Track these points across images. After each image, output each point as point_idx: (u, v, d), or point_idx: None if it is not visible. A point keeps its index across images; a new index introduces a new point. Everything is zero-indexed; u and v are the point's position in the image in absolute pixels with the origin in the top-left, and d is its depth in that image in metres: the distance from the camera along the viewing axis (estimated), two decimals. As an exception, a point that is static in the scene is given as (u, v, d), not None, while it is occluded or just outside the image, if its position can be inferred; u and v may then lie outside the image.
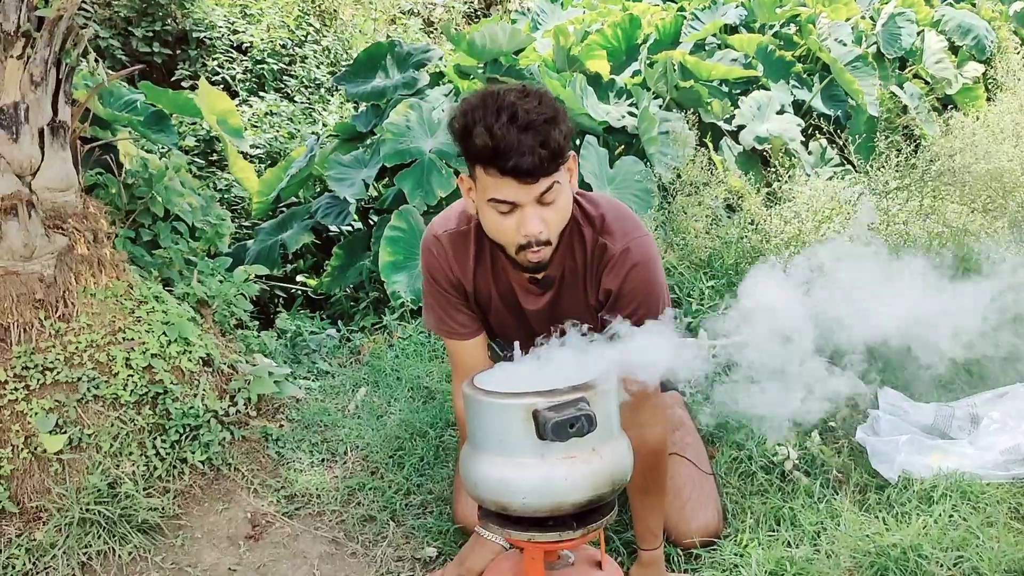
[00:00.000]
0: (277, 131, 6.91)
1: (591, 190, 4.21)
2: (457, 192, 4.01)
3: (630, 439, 1.76)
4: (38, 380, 2.58)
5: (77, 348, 2.67)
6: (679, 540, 2.35)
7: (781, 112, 5.38)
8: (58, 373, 2.61)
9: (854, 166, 4.57)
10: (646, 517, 2.21)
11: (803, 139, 5.34)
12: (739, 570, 2.21)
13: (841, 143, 5.03)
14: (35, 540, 2.41)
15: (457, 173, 4.04)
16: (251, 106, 7.20)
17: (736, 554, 2.26)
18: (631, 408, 1.77)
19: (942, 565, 2.08)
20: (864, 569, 2.13)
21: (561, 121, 1.81)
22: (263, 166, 6.39)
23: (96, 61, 3.03)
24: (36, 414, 2.54)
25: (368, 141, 5.07)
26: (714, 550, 2.31)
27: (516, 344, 1.81)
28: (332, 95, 7.81)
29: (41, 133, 2.73)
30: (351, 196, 4.58)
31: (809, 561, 2.18)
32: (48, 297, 2.67)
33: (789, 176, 4.11)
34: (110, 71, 4.55)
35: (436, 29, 9.89)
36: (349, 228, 5.13)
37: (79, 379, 2.64)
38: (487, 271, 2.16)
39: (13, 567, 2.35)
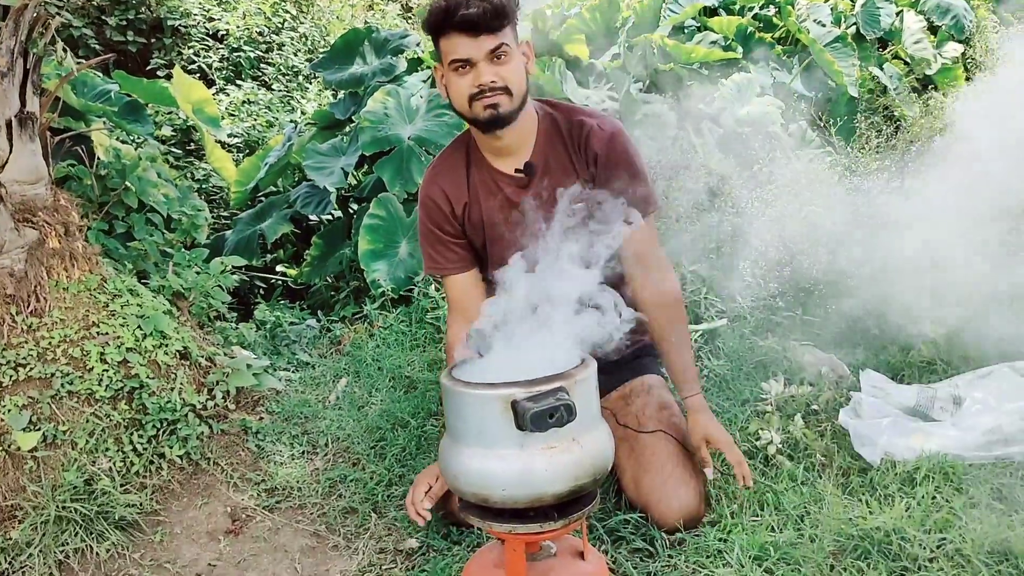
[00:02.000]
0: (255, 120, 6.85)
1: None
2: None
3: (649, 297, 2.21)
4: (10, 377, 2.54)
5: (50, 343, 2.63)
6: (661, 518, 2.33)
7: (761, 94, 5.36)
8: (31, 369, 2.57)
9: (835, 147, 4.57)
10: (679, 362, 2.39)
11: (783, 121, 5.33)
12: (723, 555, 2.19)
13: (822, 124, 5.02)
14: (10, 539, 2.37)
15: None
16: (228, 95, 7.13)
17: (719, 539, 2.25)
18: (641, 267, 2.16)
19: (925, 547, 2.08)
20: (847, 552, 2.12)
21: None
22: (241, 155, 6.34)
23: (65, 50, 2.98)
24: (9, 411, 2.50)
25: (347, 129, 5.03)
26: (697, 535, 2.30)
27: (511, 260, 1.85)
28: (310, 83, 7.74)
29: (8, 125, 2.68)
30: (330, 185, 4.54)
31: (792, 545, 2.17)
32: (19, 292, 2.62)
33: (770, 158, 4.10)
34: (83, 60, 4.49)
35: (414, 15, 9.81)
36: (328, 217, 5.09)
37: (53, 375, 2.59)
38: (474, 179, 2.39)
39: (-12, 567, 2.32)
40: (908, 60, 6.56)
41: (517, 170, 2.33)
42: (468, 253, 2.46)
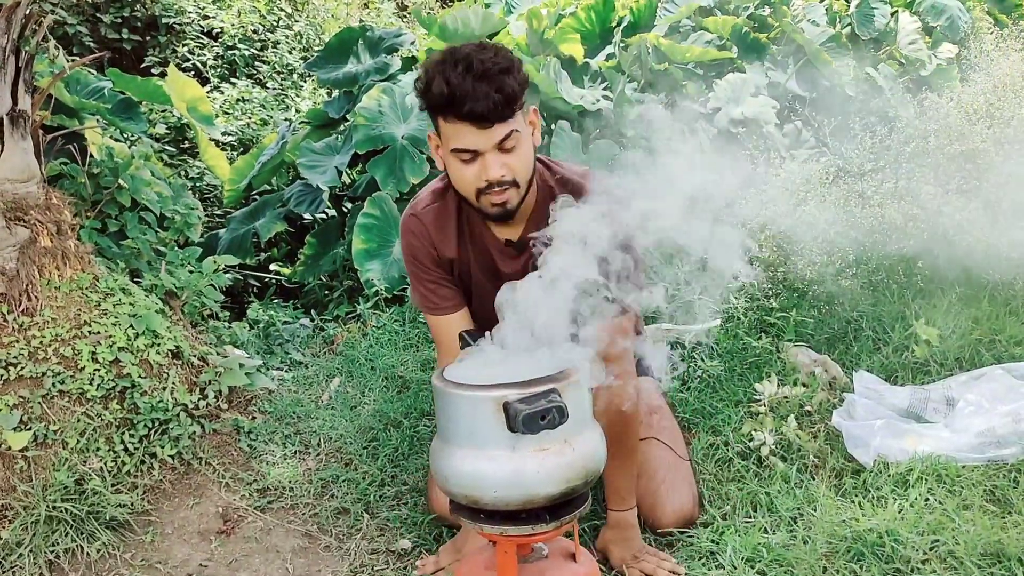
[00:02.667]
0: (249, 118, 6.84)
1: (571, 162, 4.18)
2: (430, 177, 3.97)
3: (601, 403, 1.78)
4: (1, 376, 2.53)
5: (41, 343, 2.62)
6: (655, 523, 2.34)
7: (756, 94, 5.36)
8: (22, 368, 2.56)
9: (829, 148, 4.56)
10: (614, 479, 2.23)
11: (778, 121, 5.33)
12: (715, 557, 2.20)
13: (816, 125, 5.02)
14: (1, 539, 2.36)
15: (431, 161, 4.01)
16: (222, 93, 7.12)
17: (712, 540, 2.25)
18: (604, 366, 1.81)
19: (918, 549, 2.08)
20: (840, 554, 2.13)
21: (516, 71, 1.92)
22: (235, 153, 6.32)
23: (57, 48, 2.97)
24: (0, 410, 2.49)
25: (341, 128, 5.02)
26: (690, 537, 2.30)
27: (487, 334, 1.79)
28: (305, 81, 7.73)
29: (0, 122, 2.66)
30: (324, 184, 4.53)
31: (785, 547, 2.17)
32: (10, 291, 2.61)
33: (764, 158, 4.10)
34: (78, 58, 4.47)
35: (409, 13, 9.80)
36: (322, 216, 5.08)
37: (44, 374, 2.58)
38: (466, 237, 2.24)
39: (-21, 567, 2.31)
40: (903, 61, 6.56)
41: (508, 241, 2.20)
42: (459, 288, 2.33)
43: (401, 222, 2.31)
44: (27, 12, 2.71)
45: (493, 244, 2.23)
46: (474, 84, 1.86)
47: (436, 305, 2.30)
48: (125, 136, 4.95)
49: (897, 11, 6.63)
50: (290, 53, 7.97)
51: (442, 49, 1.97)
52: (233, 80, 7.42)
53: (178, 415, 2.77)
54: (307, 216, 5.07)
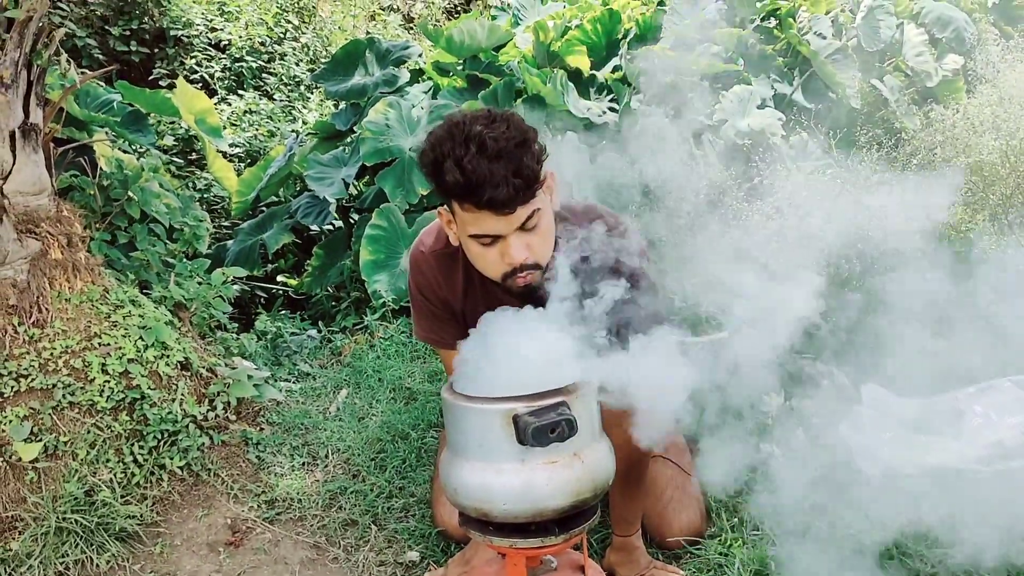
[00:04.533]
0: (256, 130, 6.87)
1: (571, 189, 4.18)
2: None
3: (615, 440, 1.74)
4: (12, 387, 2.54)
5: (52, 354, 2.63)
6: (662, 539, 2.34)
7: (762, 106, 5.37)
8: (32, 380, 2.57)
9: (835, 160, 4.57)
10: (622, 508, 2.22)
11: (784, 133, 5.34)
12: (723, 570, 2.20)
13: (822, 137, 5.03)
14: (10, 550, 2.37)
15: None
16: (230, 104, 7.15)
17: (720, 553, 2.25)
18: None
19: (927, 562, 2.08)
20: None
21: (532, 143, 1.75)
22: (243, 165, 6.34)
23: (68, 62, 2.99)
24: (10, 422, 2.50)
25: (348, 139, 5.04)
26: (698, 550, 2.30)
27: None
28: (312, 92, 7.76)
29: (12, 136, 2.68)
30: (331, 196, 4.55)
31: (793, 559, 2.16)
32: (21, 303, 2.63)
33: (770, 171, 4.10)
34: (86, 71, 4.50)
35: (416, 25, 9.84)
36: (329, 227, 5.10)
37: (54, 386, 2.59)
38: (476, 291, 2.11)
39: (-12, 578, 2.32)
40: (909, 72, 6.57)
41: (522, 296, 1.97)
42: (463, 325, 2.13)
43: (410, 256, 2.20)
44: (39, 26, 2.73)
45: (503, 296, 2.01)
46: (490, 168, 1.68)
47: (443, 340, 2.21)
48: (134, 148, 4.97)
49: (903, 23, 6.64)
50: (297, 65, 8.01)
51: (447, 122, 1.79)
52: (240, 92, 7.45)
53: (187, 426, 2.79)
54: (314, 228, 5.09)
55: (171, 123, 6.27)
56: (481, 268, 1.90)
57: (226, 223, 5.74)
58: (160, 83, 7.16)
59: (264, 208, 5.39)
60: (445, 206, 1.89)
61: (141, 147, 4.83)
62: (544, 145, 1.80)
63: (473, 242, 1.83)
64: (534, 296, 1.88)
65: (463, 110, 1.87)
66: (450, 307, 2.16)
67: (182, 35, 7.66)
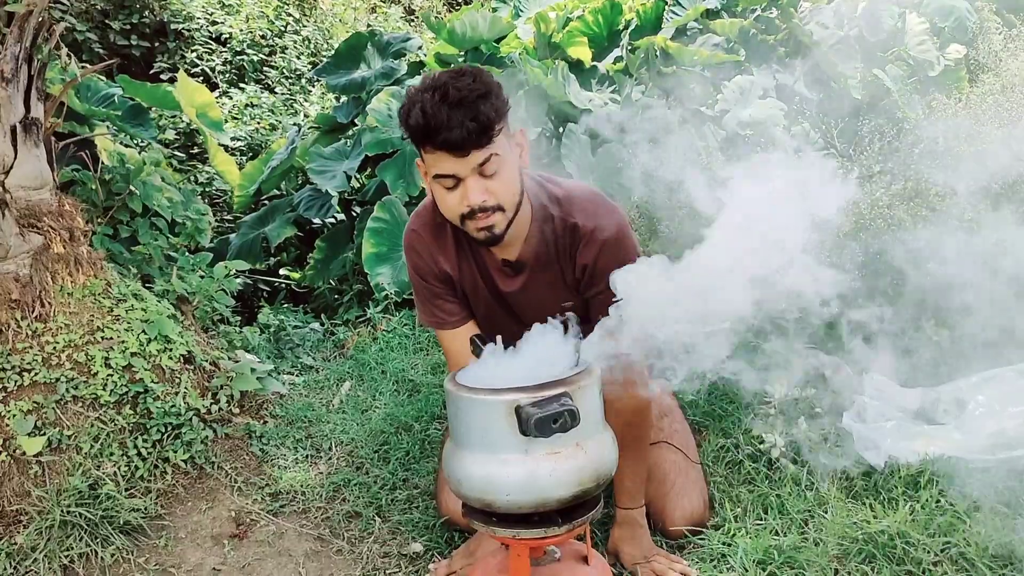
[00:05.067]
0: (258, 123, 6.87)
1: (573, 179, 4.18)
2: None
3: (614, 401, 1.80)
4: (15, 381, 2.55)
5: (55, 348, 2.63)
6: (665, 527, 2.34)
7: (764, 96, 5.36)
8: (36, 374, 2.58)
9: (837, 150, 4.56)
10: (624, 477, 2.23)
11: (786, 123, 5.33)
12: (726, 559, 2.20)
13: (824, 127, 5.02)
14: (15, 544, 2.38)
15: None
16: (231, 98, 7.15)
17: (723, 543, 2.25)
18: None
19: (929, 551, 2.08)
20: (852, 556, 2.12)
21: (493, 96, 1.90)
22: (244, 158, 6.35)
23: (69, 56, 2.99)
24: (14, 416, 2.51)
25: (350, 132, 5.04)
26: (701, 539, 2.30)
27: (499, 339, 1.80)
28: (313, 85, 7.76)
29: (13, 130, 2.69)
30: (333, 189, 4.55)
31: (797, 549, 2.17)
32: (24, 297, 2.63)
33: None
34: (87, 65, 4.50)
35: (417, 17, 9.82)
36: (332, 220, 5.10)
37: (57, 380, 2.60)
38: (464, 254, 2.23)
39: (-6, 572, 2.32)
40: (911, 62, 6.55)
41: (505, 261, 2.19)
42: (464, 302, 2.31)
43: (404, 238, 2.29)
44: (39, 20, 2.73)
45: (491, 263, 2.21)
46: (449, 113, 1.84)
47: (443, 320, 2.29)
48: (135, 142, 4.98)
49: (905, 12, 6.63)
50: (298, 58, 8.00)
51: (425, 78, 1.95)
52: (242, 85, 7.45)
53: (190, 420, 2.79)
54: (316, 221, 5.09)
55: (172, 117, 6.28)
56: (445, 211, 2.03)
57: (228, 217, 5.75)
58: (161, 77, 7.16)
59: (266, 201, 5.39)
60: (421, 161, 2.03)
61: (142, 141, 4.83)
62: (507, 99, 1.95)
63: (437, 185, 1.98)
64: (497, 242, 2.04)
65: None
66: (447, 279, 2.25)
67: (183, 29, 7.66)
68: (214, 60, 7.61)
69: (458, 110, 1.85)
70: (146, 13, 7.50)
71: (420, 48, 5.32)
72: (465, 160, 1.90)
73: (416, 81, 4.94)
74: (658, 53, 5.20)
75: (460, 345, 2.26)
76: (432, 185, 2.01)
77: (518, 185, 2.02)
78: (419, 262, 2.25)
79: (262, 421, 3.07)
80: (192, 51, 7.58)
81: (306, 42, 8.26)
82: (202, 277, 3.41)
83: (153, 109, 4.97)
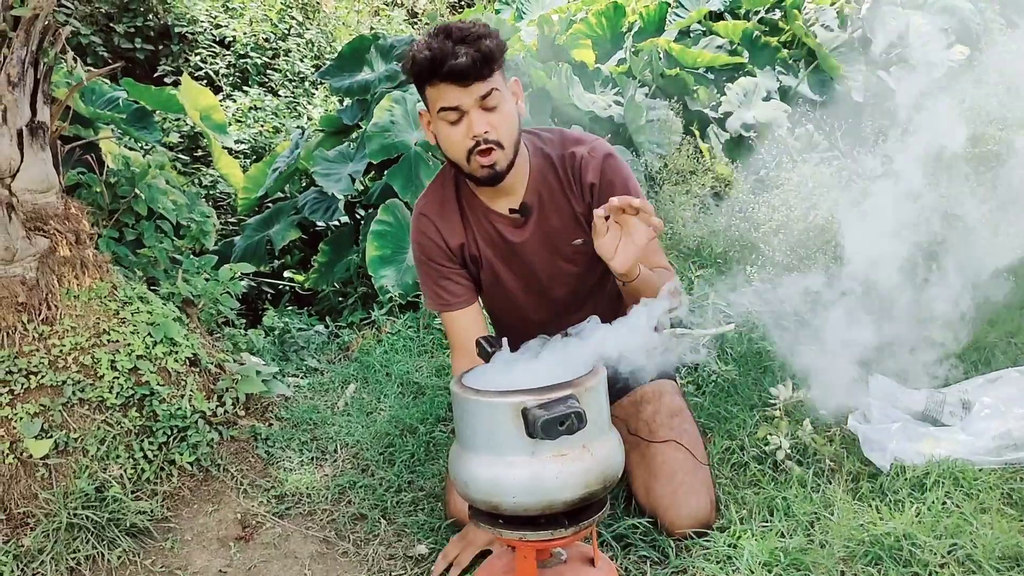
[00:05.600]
0: (262, 126, 6.88)
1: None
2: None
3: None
4: (22, 384, 2.55)
5: (61, 351, 2.64)
6: (671, 526, 2.33)
7: (767, 99, 5.36)
8: (42, 377, 2.58)
9: (841, 151, 4.56)
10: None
11: (789, 125, 5.33)
12: (732, 561, 2.19)
13: (828, 129, 5.02)
14: (23, 546, 2.38)
15: (441, 160, 4.03)
16: (235, 101, 7.16)
17: (729, 545, 2.25)
18: None
19: (936, 553, 2.08)
20: (858, 558, 2.12)
21: (494, 36, 2.05)
22: (248, 161, 6.36)
23: (75, 59, 2.99)
24: (21, 419, 2.51)
25: (354, 135, 5.05)
26: (707, 541, 2.30)
27: (504, 340, 1.81)
28: (316, 88, 7.77)
29: (20, 134, 2.69)
30: (339, 192, 4.56)
31: (803, 551, 2.17)
32: (31, 300, 2.64)
33: (776, 163, 4.10)
34: (92, 68, 4.52)
35: (420, 20, 9.83)
36: (336, 223, 5.11)
37: (64, 382, 2.60)
38: (469, 217, 2.34)
39: (0, 574, 2.32)
40: (915, 63, 6.55)
41: (512, 210, 2.30)
42: (470, 283, 2.43)
43: (411, 222, 2.41)
44: (45, 24, 2.73)
45: (497, 217, 2.31)
46: (453, 47, 1.98)
47: (448, 302, 2.39)
48: (140, 145, 4.99)
49: (909, 13, 6.63)
50: (302, 61, 8.02)
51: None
52: (245, 88, 7.46)
53: (196, 422, 2.80)
54: (320, 223, 5.10)
55: (176, 120, 6.29)
56: (449, 151, 2.14)
57: (232, 219, 5.76)
58: (165, 80, 7.18)
59: (270, 204, 5.40)
60: (425, 107, 2.16)
61: (147, 144, 4.85)
62: (505, 43, 2.09)
63: (442, 123, 2.09)
64: (499, 179, 2.15)
65: None
66: (454, 257, 2.37)
67: (187, 32, 7.67)
68: (218, 63, 7.63)
69: (461, 45, 1.99)
70: (150, 17, 7.52)
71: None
72: (468, 90, 2.02)
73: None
74: (661, 55, 5.20)
75: (464, 329, 2.37)
76: (436, 125, 2.12)
77: (517, 124, 2.15)
78: (424, 242, 2.35)
79: (267, 423, 3.07)
80: (196, 54, 7.60)
81: (309, 45, 8.27)
82: (207, 280, 3.41)
83: (157, 112, 4.99)
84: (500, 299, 2.48)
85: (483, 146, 2.08)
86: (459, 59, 1.98)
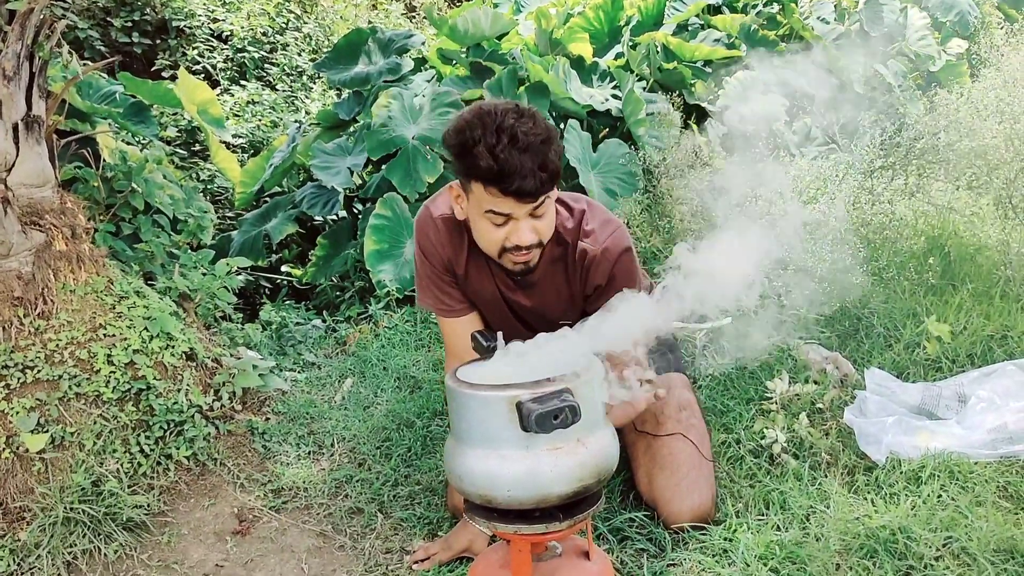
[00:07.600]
0: (259, 120, 6.87)
1: (576, 175, 4.19)
2: (444, 177, 3.99)
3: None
4: (18, 379, 2.55)
5: (58, 345, 2.64)
6: (671, 518, 2.33)
7: (765, 92, 5.35)
8: (39, 371, 2.58)
9: (839, 145, 4.56)
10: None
11: (787, 118, 5.32)
12: (728, 554, 2.20)
13: (826, 122, 5.01)
14: (19, 540, 2.39)
15: (443, 157, 4.02)
16: (232, 95, 7.15)
17: (725, 538, 2.25)
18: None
19: (931, 546, 2.08)
20: (853, 551, 2.12)
21: (555, 141, 1.94)
22: (246, 156, 6.35)
23: (71, 53, 2.99)
24: (17, 413, 2.51)
25: (351, 128, 5.04)
26: (704, 534, 2.30)
27: (499, 334, 1.81)
28: (314, 82, 7.75)
29: (15, 128, 2.69)
30: (338, 185, 4.56)
31: (798, 544, 2.17)
32: (27, 295, 2.64)
33: (774, 156, 4.10)
34: (89, 62, 4.51)
35: (418, 14, 9.81)
36: (333, 217, 5.10)
37: (60, 377, 2.61)
38: (477, 262, 2.26)
39: (-3, 568, 2.33)
40: (912, 57, 6.54)
41: (516, 275, 2.23)
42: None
43: (418, 217, 2.32)
44: (41, 18, 2.73)
45: (498, 270, 2.26)
46: (520, 159, 1.87)
47: (449, 308, 2.35)
48: (137, 140, 4.98)
49: (906, 7, 6.62)
50: (299, 55, 8.00)
51: (475, 109, 1.96)
52: (243, 82, 7.45)
53: (193, 416, 2.80)
54: (318, 218, 5.09)
55: (174, 114, 6.28)
56: (482, 241, 2.08)
57: (230, 214, 5.75)
58: (162, 74, 7.16)
59: (268, 198, 5.39)
60: (458, 182, 2.06)
61: (144, 138, 4.83)
62: (563, 146, 2.01)
63: (485, 220, 2.00)
64: (531, 272, 2.15)
65: (492, 100, 2.04)
66: (452, 271, 2.29)
67: (184, 26, 7.65)
68: (215, 57, 7.61)
69: (527, 156, 1.88)
70: (147, 11, 7.50)
71: (423, 44, 5.31)
72: (528, 205, 1.95)
73: (421, 78, 4.96)
74: (659, 49, 5.19)
75: (462, 336, 2.30)
76: (474, 216, 2.04)
77: (554, 220, 2.10)
78: (427, 246, 2.29)
79: (264, 418, 3.08)
80: (193, 48, 7.58)
81: (307, 39, 8.25)
82: (204, 274, 3.41)
83: (155, 106, 4.97)
84: (487, 323, 2.44)
85: (523, 251, 2.04)
86: (527, 181, 1.88)
